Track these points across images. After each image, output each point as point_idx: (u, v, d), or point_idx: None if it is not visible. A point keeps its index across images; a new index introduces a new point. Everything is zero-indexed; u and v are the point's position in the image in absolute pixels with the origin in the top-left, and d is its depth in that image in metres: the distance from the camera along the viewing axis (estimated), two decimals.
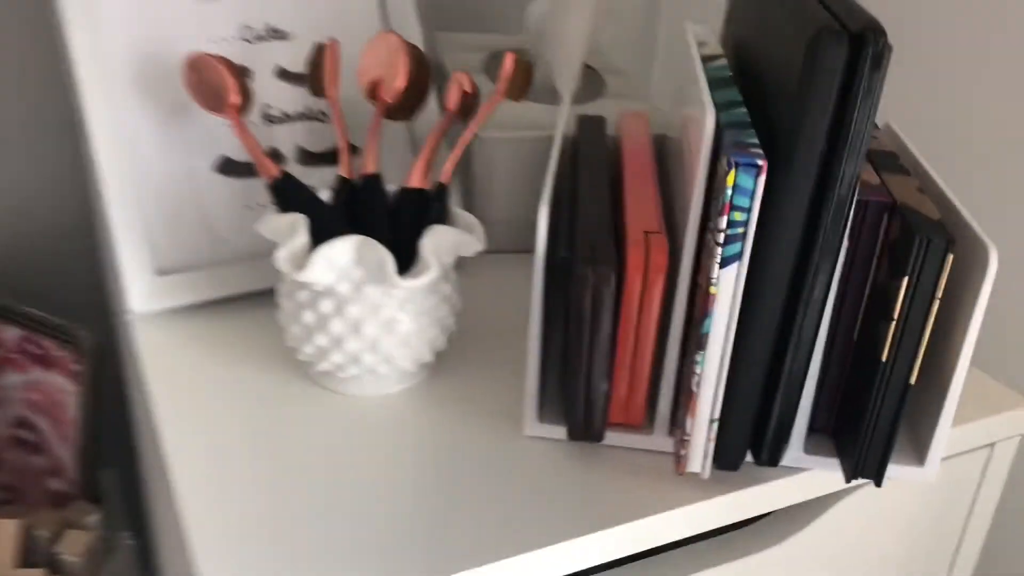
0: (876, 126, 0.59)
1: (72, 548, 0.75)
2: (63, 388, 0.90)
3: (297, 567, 0.43)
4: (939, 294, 0.44)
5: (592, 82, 0.80)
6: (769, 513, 0.57)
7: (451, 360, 0.60)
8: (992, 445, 0.59)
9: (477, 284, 0.68)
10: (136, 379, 0.66)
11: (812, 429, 0.52)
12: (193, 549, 0.44)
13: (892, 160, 0.52)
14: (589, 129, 0.64)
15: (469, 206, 0.72)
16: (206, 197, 0.64)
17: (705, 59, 0.57)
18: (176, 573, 0.61)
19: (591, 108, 0.76)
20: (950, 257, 0.44)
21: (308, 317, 0.53)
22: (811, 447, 0.52)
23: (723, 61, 0.56)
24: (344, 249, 0.51)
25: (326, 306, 0.53)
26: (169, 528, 0.58)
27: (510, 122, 0.71)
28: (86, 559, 0.76)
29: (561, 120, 0.60)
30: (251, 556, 0.44)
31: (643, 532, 0.48)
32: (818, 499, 0.56)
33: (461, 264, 0.71)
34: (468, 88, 0.60)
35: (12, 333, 0.91)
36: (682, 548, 0.55)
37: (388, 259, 0.50)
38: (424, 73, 0.62)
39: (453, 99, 0.59)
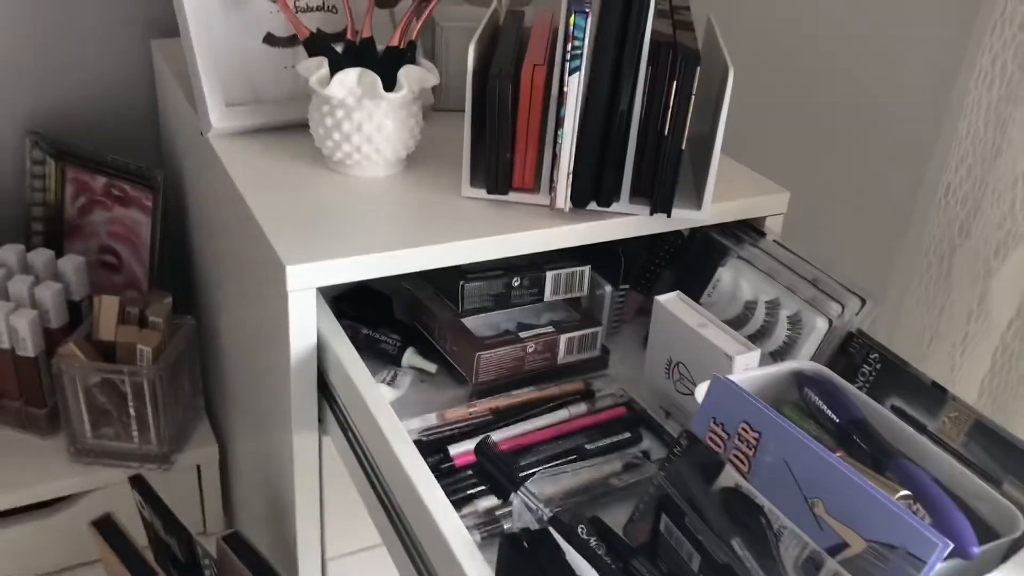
0: (688, 10, 0.91)
1: (157, 312, 1.08)
2: (139, 220, 1.23)
3: (328, 249, 0.77)
4: (694, 89, 0.77)
5: None
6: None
7: (421, 162, 0.93)
8: (765, 218, 0.92)
9: (438, 127, 1.01)
10: (211, 184, 0.98)
11: (640, 194, 0.85)
12: (275, 245, 0.77)
13: (687, 25, 0.85)
14: (511, 18, 0.96)
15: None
16: (256, 59, 0.97)
17: None
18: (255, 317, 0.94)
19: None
20: (698, 69, 0.77)
21: (328, 121, 0.86)
22: (635, 201, 0.85)
23: None
24: (351, 74, 0.83)
25: (339, 113, 0.85)
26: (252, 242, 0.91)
27: (464, 17, 1.04)
28: (166, 321, 1.09)
29: (490, 8, 0.93)
30: (313, 243, 0.77)
31: (532, 238, 0.82)
32: None
33: (426, 116, 1.03)
34: None
35: (100, 180, 1.24)
36: None
37: (378, 81, 0.83)
38: None
39: None
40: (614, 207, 0.84)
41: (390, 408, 0.69)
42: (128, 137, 1.30)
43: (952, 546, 0.53)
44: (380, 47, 0.91)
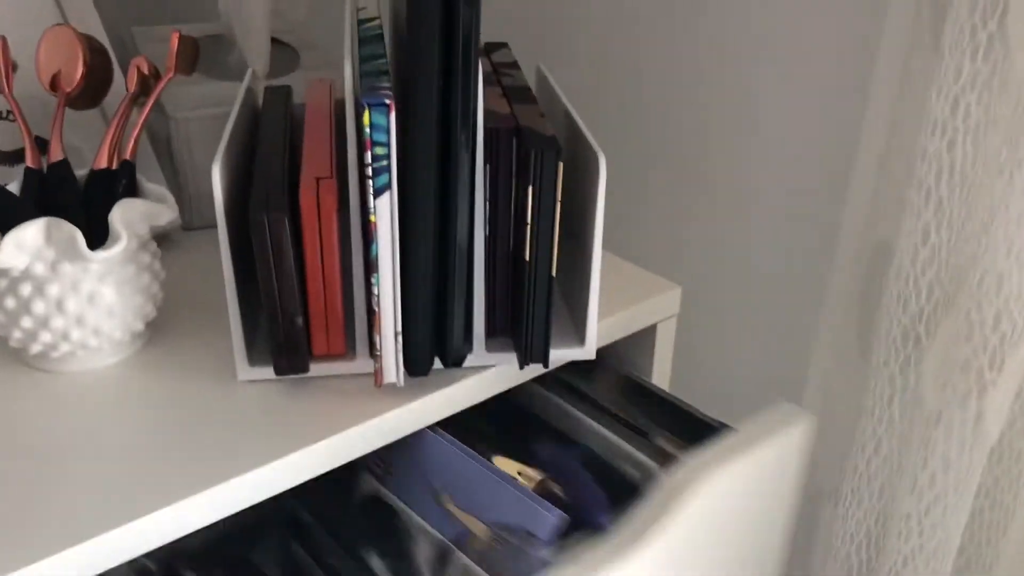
0: (518, 67, 0.67)
1: None
2: None
3: (24, 537, 0.46)
4: (559, 196, 0.53)
5: (287, 57, 0.85)
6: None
7: (166, 328, 0.64)
8: (655, 325, 0.70)
9: (191, 257, 0.72)
10: None
11: (495, 333, 0.60)
12: None
13: (524, 92, 0.61)
14: (274, 98, 0.69)
15: (176, 184, 0.75)
16: None
17: (362, 21, 0.63)
18: None
19: (286, 81, 0.81)
20: (560, 164, 0.52)
21: (10, 303, 0.55)
22: (493, 347, 0.60)
23: (378, 22, 0.63)
24: (32, 231, 0.53)
25: (25, 289, 0.55)
26: None
27: (206, 101, 0.75)
28: None
29: (240, 91, 0.65)
30: None
31: (346, 441, 0.54)
32: None
33: (171, 239, 0.74)
34: (146, 70, 0.63)
35: None
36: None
37: (77, 234, 0.53)
38: (104, 62, 0.65)
39: (132, 81, 0.63)
40: (469, 361, 0.59)
41: None
42: None
43: (563, 517, 0.52)
44: (82, 172, 0.61)
